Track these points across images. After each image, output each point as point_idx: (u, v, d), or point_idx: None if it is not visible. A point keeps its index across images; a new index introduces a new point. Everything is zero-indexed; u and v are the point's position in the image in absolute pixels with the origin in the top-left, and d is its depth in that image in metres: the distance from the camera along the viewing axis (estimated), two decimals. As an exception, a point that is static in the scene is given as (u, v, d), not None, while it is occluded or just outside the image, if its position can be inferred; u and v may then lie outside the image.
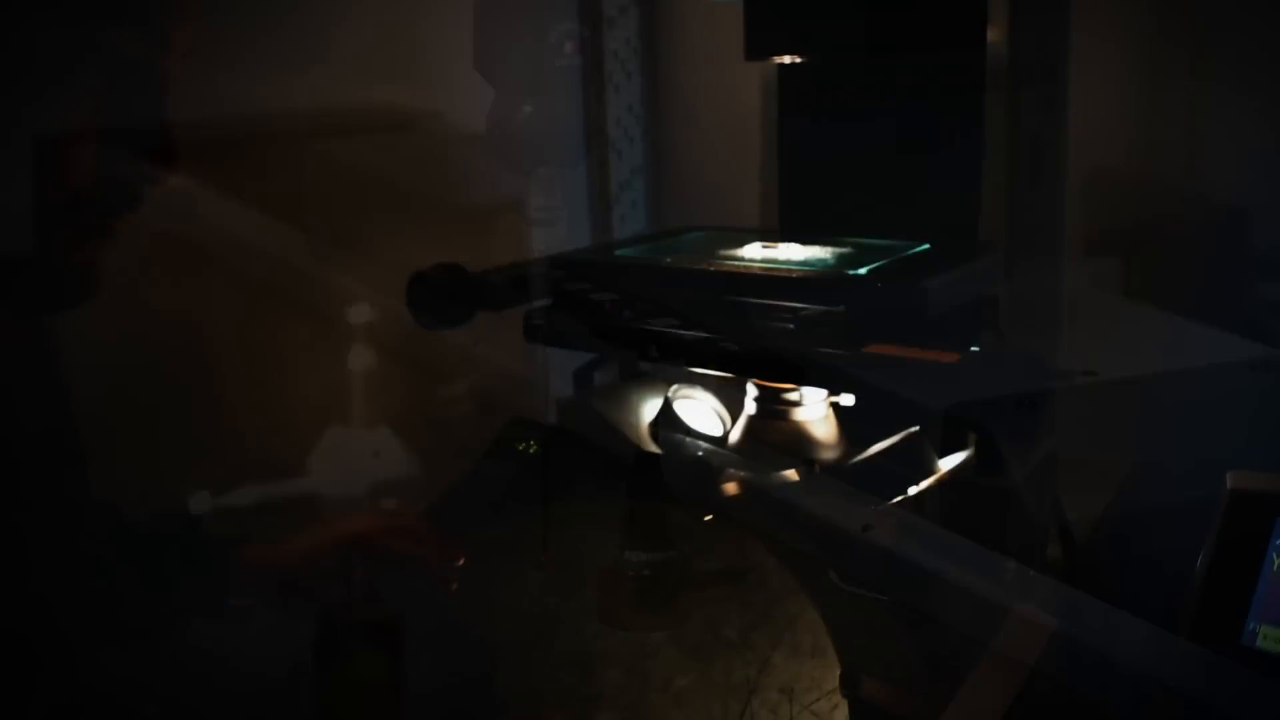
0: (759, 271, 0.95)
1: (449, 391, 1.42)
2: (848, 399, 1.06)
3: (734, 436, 1.06)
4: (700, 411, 1.15)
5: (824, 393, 1.04)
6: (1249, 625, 0.72)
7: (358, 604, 0.83)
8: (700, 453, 1.02)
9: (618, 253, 1.07)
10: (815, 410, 1.03)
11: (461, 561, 0.92)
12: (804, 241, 1.05)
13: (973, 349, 0.74)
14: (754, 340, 0.89)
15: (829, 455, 1.03)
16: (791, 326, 0.89)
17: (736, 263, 0.99)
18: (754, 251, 1.02)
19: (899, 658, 0.81)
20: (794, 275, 0.92)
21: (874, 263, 0.91)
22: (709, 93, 1.61)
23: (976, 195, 1.07)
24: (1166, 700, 0.68)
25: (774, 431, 1.04)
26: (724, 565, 0.90)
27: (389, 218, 1.32)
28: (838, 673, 0.78)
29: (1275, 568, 0.73)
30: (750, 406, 1.05)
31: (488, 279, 1.04)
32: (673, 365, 1.01)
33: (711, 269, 0.96)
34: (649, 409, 1.14)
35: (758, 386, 1.04)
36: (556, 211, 1.52)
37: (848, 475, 0.97)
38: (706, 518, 0.92)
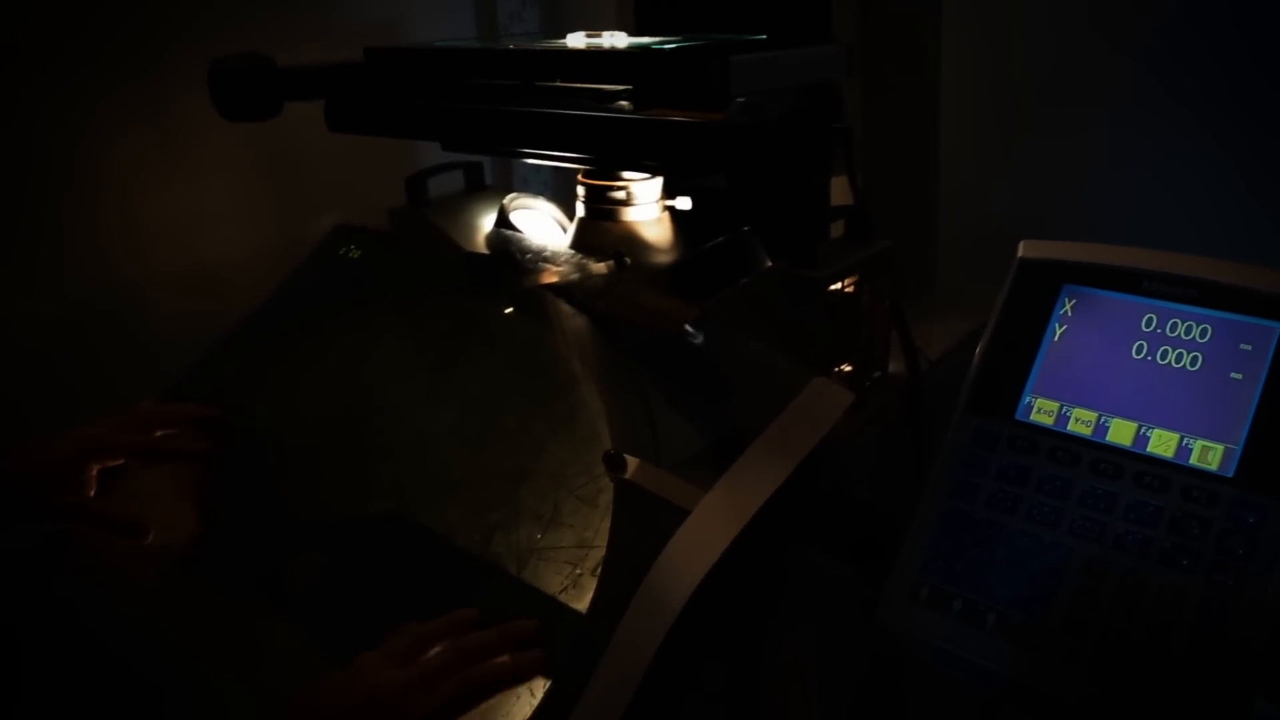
0: (556, 51, 0.88)
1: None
2: (684, 203, 1.00)
3: (566, 241, 1.01)
4: (538, 220, 1.09)
5: (656, 194, 0.98)
6: (1025, 399, 0.67)
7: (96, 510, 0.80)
8: (511, 250, 0.96)
9: (437, 43, 1.00)
10: (646, 211, 0.97)
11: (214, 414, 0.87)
12: (638, 32, 0.97)
13: (738, 100, 0.67)
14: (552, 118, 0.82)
15: (662, 257, 0.98)
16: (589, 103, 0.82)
17: (542, 45, 0.92)
18: (576, 40, 0.94)
19: (679, 442, 0.76)
20: (587, 51, 0.85)
21: (686, 44, 0.84)
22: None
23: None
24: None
25: (604, 233, 0.98)
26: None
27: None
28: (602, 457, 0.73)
29: (1056, 339, 0.67)
30: (580, 209, 0.99)
31: (295, 68, 0.97)
32: (475, 150, 0.95)
33: (512, 48, 0.89)
34: (486, 220, 1.09)
35: (585, 187, 0.98)
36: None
37: (676, 273, 0.91)
38: (507, 310, 0.87)
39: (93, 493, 0.81)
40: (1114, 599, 0.60)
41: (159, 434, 0.84)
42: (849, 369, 0.94)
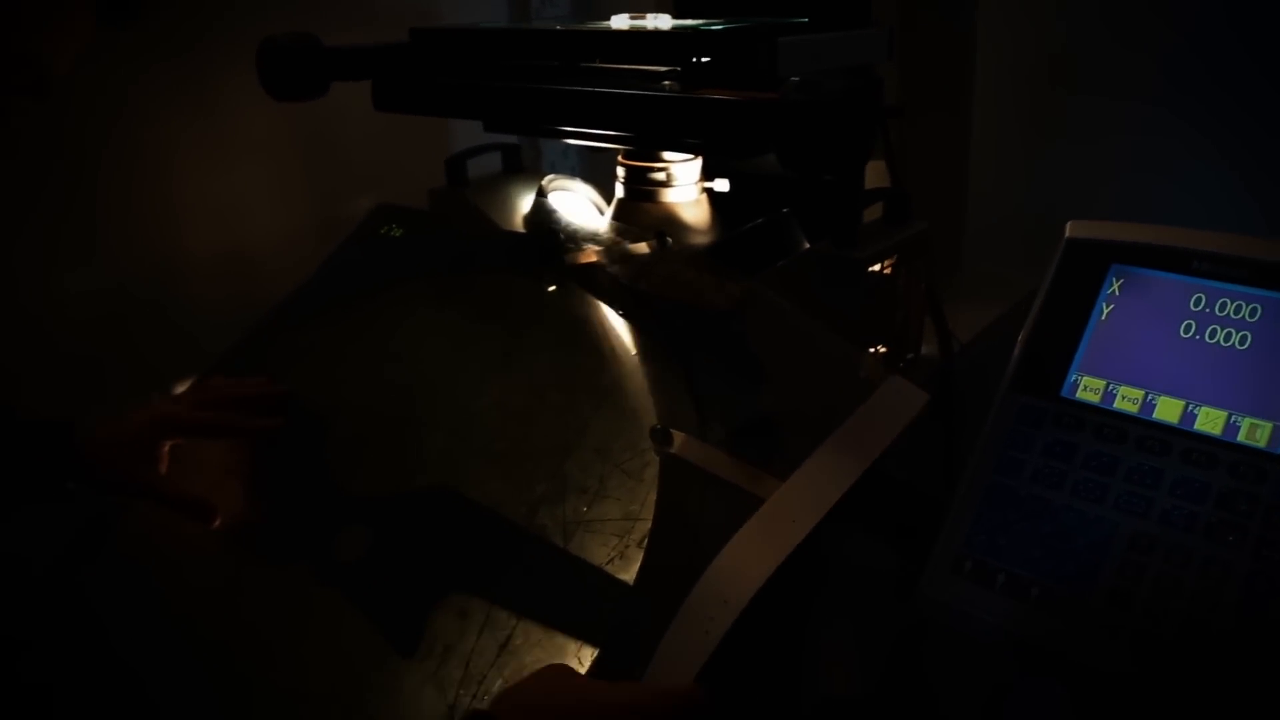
0: (603, 31, 0.89)
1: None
2: (722, 184, 1.01)
3: (604, 222, 1.02)
4: (575, 202, 1.10)
5: (695, 176, 0.99)
6: (1071, 377, 0.68)
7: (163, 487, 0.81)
8: (554, 229, 0.97)
9: (482, 25, 1.01)
10: (685, 193, 0.98)
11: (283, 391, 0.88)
12: (679, 16, 0.98)
13: (792, 79, 0.68)
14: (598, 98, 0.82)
15: (699, 238, 0.98)
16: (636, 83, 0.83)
17: (589, 26, 0.92)
18: (620, 22, 0.95)
19: (722, 419, 0.77)
20: (636, 32, 0.86)
21: (733, 25, 0.85)
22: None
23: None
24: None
25: (643, 214, 0.99)
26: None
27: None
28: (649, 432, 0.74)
29: (1103, 318, 0.68)
30: (619, 190, 1.00)
31: (343, 49, 0.98)
32: (521, 131, 0.96)
33: (560, 29, 0.90)
34: (524, 201, 1.09)
35: (625, 168, 0.99)
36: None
37: (716, 253, 0.92)
38: (550, 288, 0.88)
39: (165, 469, 0.81)
40: (1159, 573, 0.61)
41: (232, 411, 0.84)
42: (883, 350, 0.95)
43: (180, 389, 1.18)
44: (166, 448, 0.82)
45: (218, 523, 0.80)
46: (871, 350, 0.93)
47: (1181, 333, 0.65)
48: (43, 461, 0.79)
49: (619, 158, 0.99)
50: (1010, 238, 1.32)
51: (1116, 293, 0.68)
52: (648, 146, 0.94)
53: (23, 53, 0.59)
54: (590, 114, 0.82)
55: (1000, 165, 1.30)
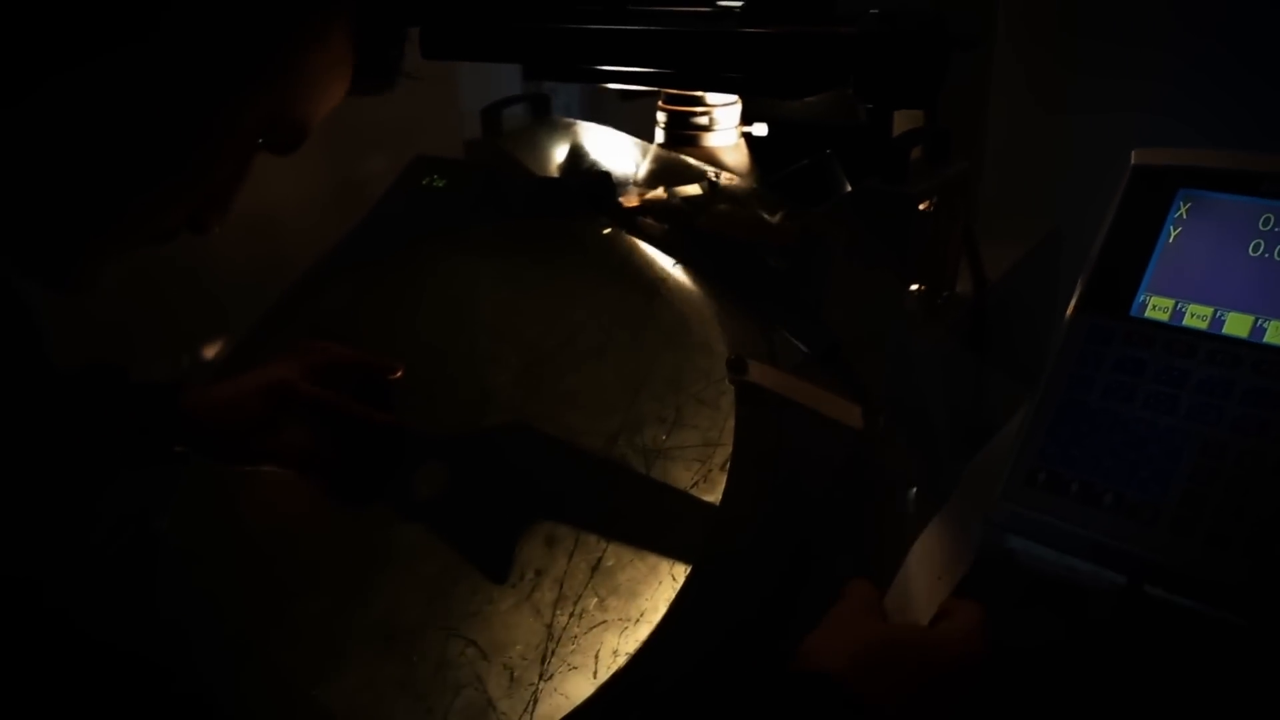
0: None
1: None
2: (760, 129, 1.03)
3: (643, 168, 1.03)
4: (612, 148, 1.11)
5: (735, 120, 1.00)
6: (1139, 297, 0.71)
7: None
8: (605, 172, 0.98)
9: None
10: (725, 137, 1.00)
11: (399, 374, 0.87)
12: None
13: (871, 11, 0.70)
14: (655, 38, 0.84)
15: (739, 182, 1.00)
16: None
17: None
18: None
19: (788, 348, 0.79)
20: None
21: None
22: None
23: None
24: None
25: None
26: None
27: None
28: (724, 362, 0.76)
29: (1170, 240, 0.71)
30: (659, 135, 1.02)
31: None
32: (570, 76, 0.97)
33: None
34: (560, 150, 1.10)
35: (666, 113, 1.00)
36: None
37: (757, 195, 0.94)
38: (605, 230, 0.89)
39: (280, 435, 0.81)
40: (1231, 476, 0.64)
41: (348, 393, 0.83)
42: (922, 288, 0.98)
43: (209, 351, 1.19)
44: (278, 414, 0.81)
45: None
46: (913, 288, 0.96)
47: (1250, 252, 0.68)
48: (151, 424, 0.79)
49: (659, 102, 1.01)
50: (1025, 180, 1.35)
51: (1184, 216, 0.71)
52: (708, 88, 0.95)
53: (294, 118, 0.61)
54: (653, 53, 0.84)
55: (1021, 111, 1.32)
